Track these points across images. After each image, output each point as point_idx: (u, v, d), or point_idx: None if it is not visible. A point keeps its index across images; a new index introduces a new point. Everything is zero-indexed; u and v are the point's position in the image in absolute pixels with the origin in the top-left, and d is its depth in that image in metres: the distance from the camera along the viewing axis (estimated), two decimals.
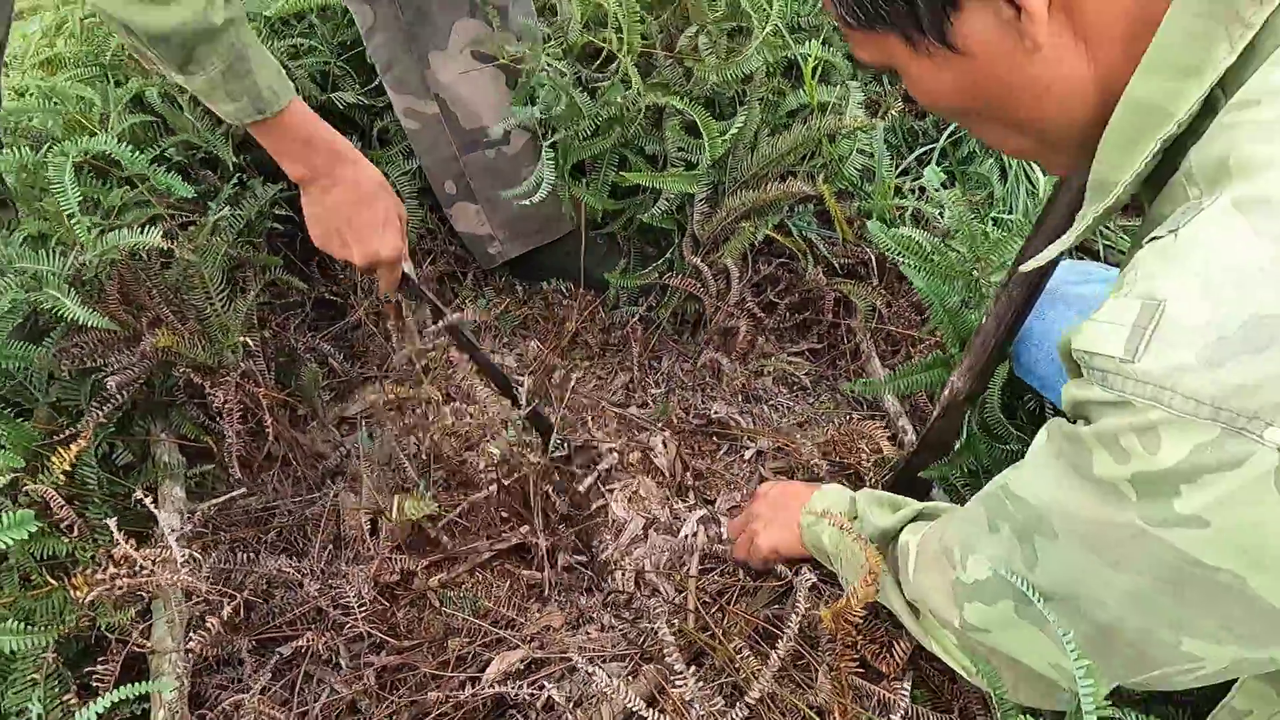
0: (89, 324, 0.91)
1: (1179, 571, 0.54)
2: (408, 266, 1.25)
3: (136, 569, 0.86)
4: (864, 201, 1.61)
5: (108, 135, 1.12)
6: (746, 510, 1.17)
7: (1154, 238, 0.55)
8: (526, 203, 1.45)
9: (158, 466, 1.14)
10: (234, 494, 1.15)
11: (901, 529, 0.90)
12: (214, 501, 1.10)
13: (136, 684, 0.70)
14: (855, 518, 0.96)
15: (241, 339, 1.07)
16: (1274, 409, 0.47)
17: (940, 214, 1.62)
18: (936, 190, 1.60)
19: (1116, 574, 0.58)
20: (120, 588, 0.85)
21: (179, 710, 0.87)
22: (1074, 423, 0.60)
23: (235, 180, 1.43)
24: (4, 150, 1.16)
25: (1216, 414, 0.49)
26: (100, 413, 0.99)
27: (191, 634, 0.95)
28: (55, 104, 1.36)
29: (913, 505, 0.92)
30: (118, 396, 1.01)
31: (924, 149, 1.76)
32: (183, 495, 1.17)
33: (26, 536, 0.73)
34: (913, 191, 1.72)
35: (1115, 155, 0.60)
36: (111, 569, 0.85)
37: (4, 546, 0.73)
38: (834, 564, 0.99)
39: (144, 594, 0.98)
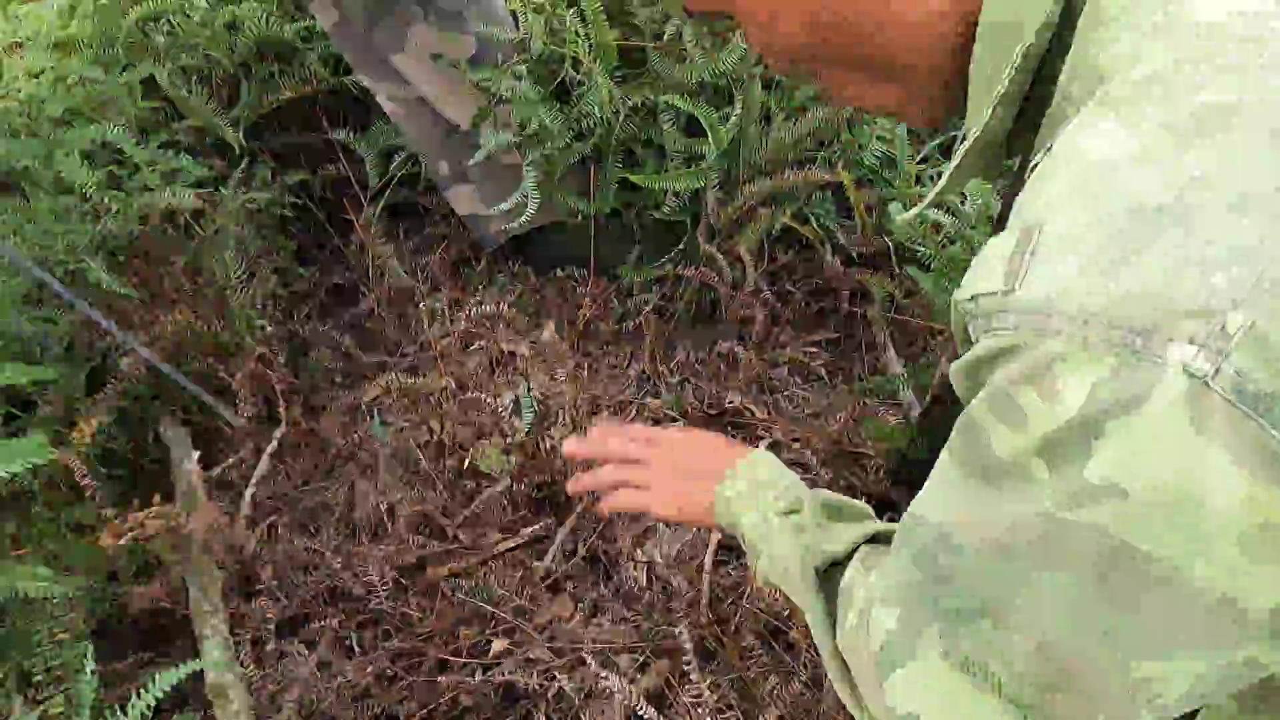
0: (114, 289, 0.91)
1: (1107, 565, 0.41)
2: None
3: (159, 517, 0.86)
4: (885, 189, 1.58)
5: (112, 125, 1.12)
6: (636, 444, 0.87)
7: (1033, 166, 0.48)
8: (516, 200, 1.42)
9: (166, 444, 1.15)
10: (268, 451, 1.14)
11: (850, 554, 0.70)
12: (226, 464, 1.11)
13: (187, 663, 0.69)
14: (791, 512, 0.76)
15: (258, 321, 1.07)
16: (1172, 318, 0.36)
17: (962, 202, 1.59)
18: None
19: (1037, 584, 0.44)
20: (150, 531, 0.85)
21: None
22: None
23: (244, 164, 1.43)
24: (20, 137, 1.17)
25: (1108, 335, 0.38)
26: (117, 387, 0.99)
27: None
28: (69, 87, 1.36)
29: (867, 523, 0.73)
30: (132, 377, 1.01)
31: (949, 135, 1.72)
32: (194, 467, 1.18)
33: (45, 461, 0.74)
34: (933, 178, 1.69)
35: (982, 88, 0.53)
36: (137, 516, 0.85)
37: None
38: (750, 554, 0.80)
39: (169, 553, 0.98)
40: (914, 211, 0.62)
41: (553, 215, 1.57)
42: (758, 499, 0.78)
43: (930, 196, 0.59)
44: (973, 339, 0.46)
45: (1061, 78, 0.49)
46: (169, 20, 1.49)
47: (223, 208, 1.21)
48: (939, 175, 1.68)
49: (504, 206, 1.43)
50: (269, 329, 1.15)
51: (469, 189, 1.53)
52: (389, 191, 1.56)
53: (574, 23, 1.29)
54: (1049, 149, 0.46)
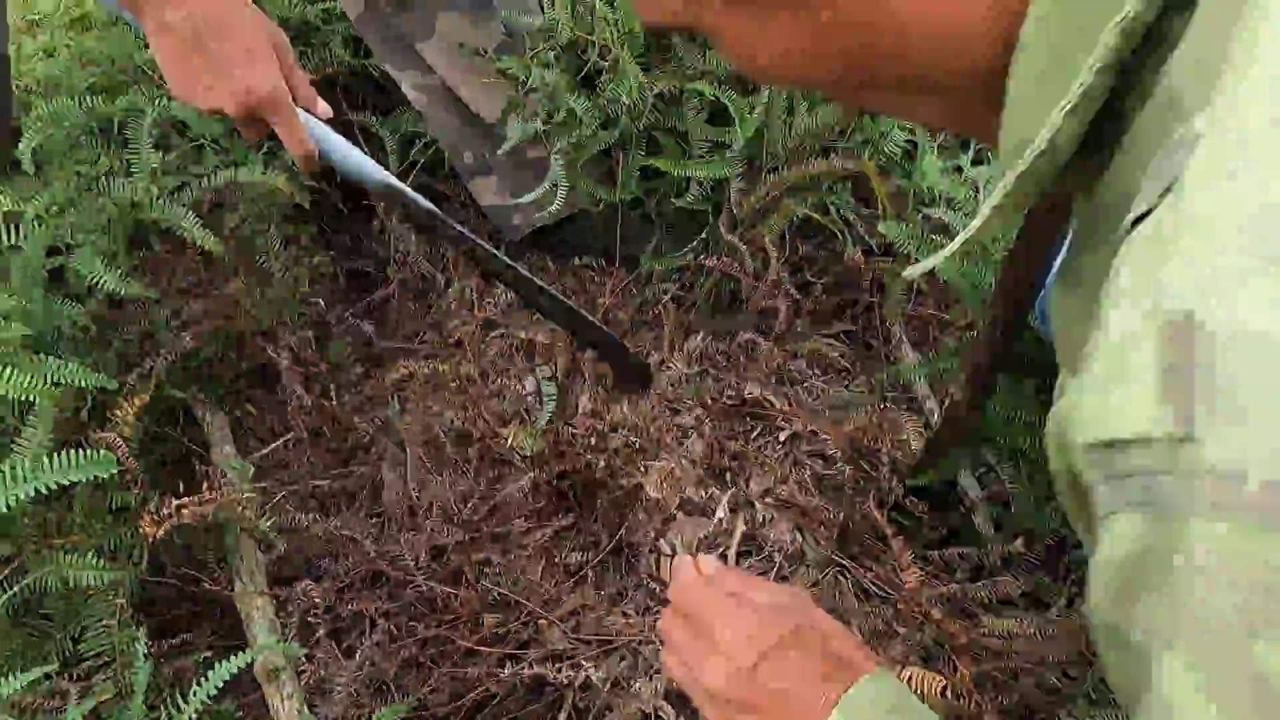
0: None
1: None
2: (315, 111, 1.00)
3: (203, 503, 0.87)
4: (905, 180, 1.58)
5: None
6: (706, 628, 0.67)
7: (1137, 218, 0.33)
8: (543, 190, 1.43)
9: (205, 427, 1.15)
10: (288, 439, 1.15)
11: None
12: (270, 448, 1.11)
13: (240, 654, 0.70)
14: None
15: (296, 305, 1.07)
16: None
17: (976, 195, 1.60)
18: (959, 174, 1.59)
19: None
20: (189, 519, 0.85)
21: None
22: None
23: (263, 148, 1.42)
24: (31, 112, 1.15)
25: None
26: (164, 361, 0.99)
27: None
28: (86, 65, 1.34)
29: None
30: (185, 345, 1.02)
31: None
32: (233, 450, 1.18)
33: (108, 475, 0.74)
34: (948, 171, 1.69)
35: (1032, 95, 0.39)
36: (177, 504, 0.86)
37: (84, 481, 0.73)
38: None
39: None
40: (931, 262, 0.50)
41: (577, 204, 1.57)
42: None
43: (956, 243, 0.46)
44: (1101, 506, 0.32)
45: (1165, 79, 0.35)
46: None
47: (249, 190, 1.20)
48: (954, 168, 1.69)
49: (529, 198, 1.43)
50: (305, 313, 1.15)
51: (492, 180, 1.53)
52: (410, 178, 1.55)
53: (603, 9, 1.28)
54: (1171, 190, 0.32)
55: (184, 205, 1.01)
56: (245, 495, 0.91)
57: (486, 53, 1.36)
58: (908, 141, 1.58)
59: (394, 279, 1.51)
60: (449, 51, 1.37)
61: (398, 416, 1.42)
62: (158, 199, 1.01)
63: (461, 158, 1.53)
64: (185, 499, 0.85)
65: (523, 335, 1.57)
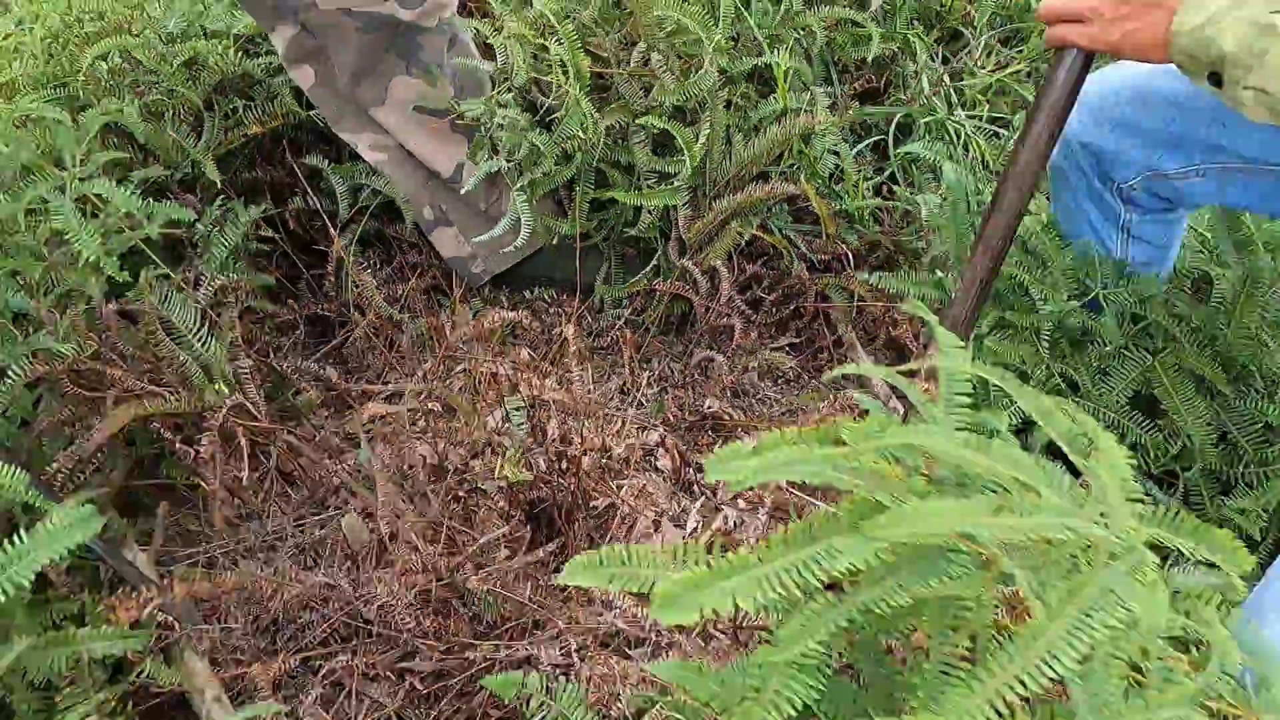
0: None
1: None
2: None
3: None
4: (835, 200, 1.70)
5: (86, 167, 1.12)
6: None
7: None
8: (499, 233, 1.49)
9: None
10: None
11: None
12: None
13: None
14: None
15: (220, 384, 1.08)
16: None
17: (907, 217, 1.74)
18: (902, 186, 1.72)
19: None
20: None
21: None
22: None
23: (220, 200, 1.43)
24: None
25: None
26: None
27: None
28: (27, 131, 1.33)
29: None
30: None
31: (874, 139, 1.85)
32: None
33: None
34: (880, 187, 1.81)
35: None
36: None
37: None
38: (1231, 72, 0.82)
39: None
40: None
41: (535, 243, 1.63)
42: (1239, 13, 0.79)
43: None
44: None
45: None
46: (126, 58, 1.48)
47: (203, 250, 1.22)
48: (886, 186, 1.82)
49: (486, 237, 1.49)
50: (243, 374, 1.15)
51: (452, 231, 1.58)
52: (361, 223, 1.58)
53: (555, 49, 1.35)
54: None
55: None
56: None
57: (442, 111, 1.42)
58: (836, 166, 1.70)
59: (351, 323, 1.53)
60: (400, 111, 1.43)
61: (367, 454, 1.44)
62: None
63: (421, 213, 1.58)
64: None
65: (486, 369, 1.61)
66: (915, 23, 1.90)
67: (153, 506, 1.27)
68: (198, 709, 1.00)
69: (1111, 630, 0.44)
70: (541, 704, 1.00)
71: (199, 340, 1.15)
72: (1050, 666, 0.44)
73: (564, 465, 1.48)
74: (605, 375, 1.67)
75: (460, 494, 1.44)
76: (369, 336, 1.54)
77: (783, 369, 1.69)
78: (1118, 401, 1.22)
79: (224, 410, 1.18)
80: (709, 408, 1.60)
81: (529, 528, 1.43)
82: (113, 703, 0.88)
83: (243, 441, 1.20)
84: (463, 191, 1.46)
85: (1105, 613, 0.44)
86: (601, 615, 1.29)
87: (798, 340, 1.74)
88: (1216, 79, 0.85)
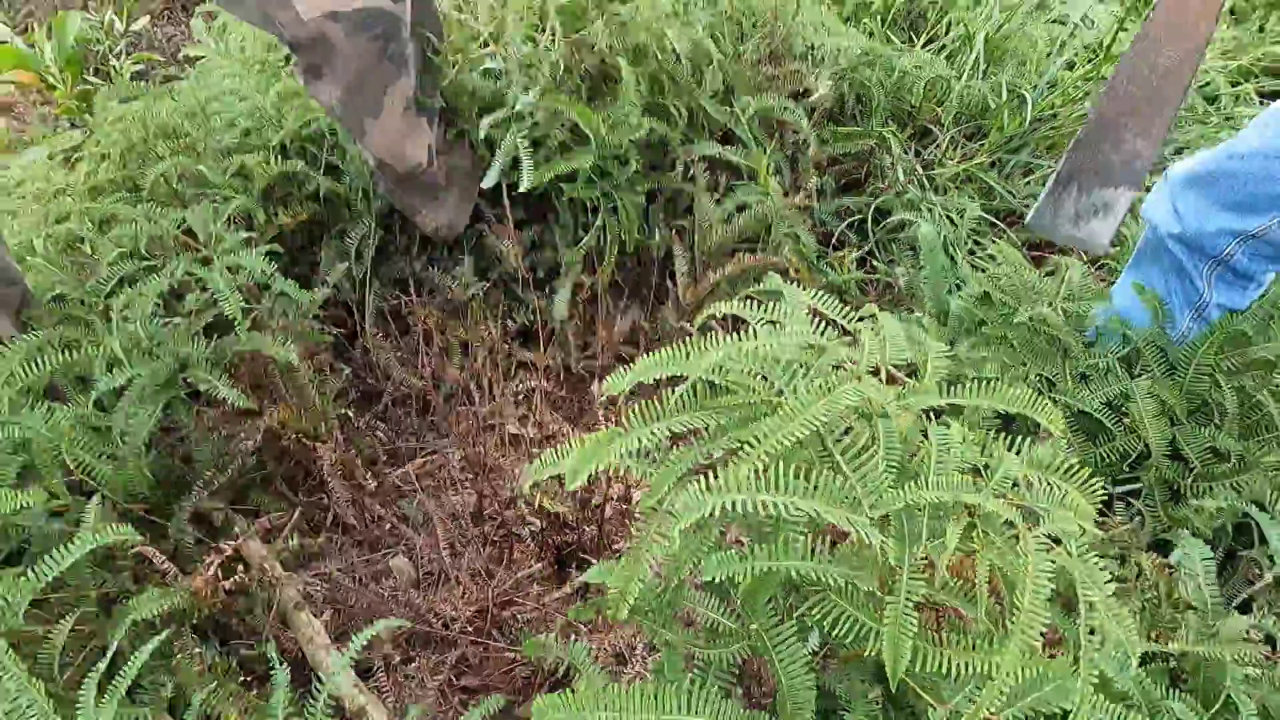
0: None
1: None
2: None
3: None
4: (822, 275, 1.91)
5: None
6: None
7: None
8: None
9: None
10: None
11: None
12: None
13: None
14: None
15: (337, 412, 1.27)
16: None
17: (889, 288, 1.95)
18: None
19: None
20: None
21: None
22: None
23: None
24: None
25: None
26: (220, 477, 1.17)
27: None
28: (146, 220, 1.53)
29: None
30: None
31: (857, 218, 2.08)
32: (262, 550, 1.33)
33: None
34: (863, 261, 2.02)
35: None
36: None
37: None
38: None
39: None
40: None
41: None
42: None
43: None
44: None
45: None
46: (184, 171, 1.71)
47: (283, 319, 1.41)
48: (864, 260, 2.03)
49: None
50: (350, 417, 1.34)
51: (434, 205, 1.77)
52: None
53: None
54: None
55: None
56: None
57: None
58: (820, 244, 1.92)
59: (387, 392, 1.72)
60: (396, 113, 1.61)
61: (415, 506, 1.60)
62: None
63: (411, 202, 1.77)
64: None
65: (512, 430, 1.78)
66: (890, 121, 2.15)
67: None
68: (310, 656, 1.14)
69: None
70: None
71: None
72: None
73: (587, 513, 1.64)
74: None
75: (495, 538, 1.59)
76: (403, 404, 1.72)
77: None
78: (1093, 404, 1.40)
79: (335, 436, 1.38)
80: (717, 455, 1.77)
81: (556, 567, 1.57)
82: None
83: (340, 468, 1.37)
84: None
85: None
86: None
87: None
88: None
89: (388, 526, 1.56)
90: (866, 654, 0.78)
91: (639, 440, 0.77)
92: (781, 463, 0.68)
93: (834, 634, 0.77)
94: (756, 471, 0.67)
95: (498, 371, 1.84)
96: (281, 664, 0.99)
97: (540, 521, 1.60)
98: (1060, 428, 0.82)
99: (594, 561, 1.58)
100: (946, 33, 2.34)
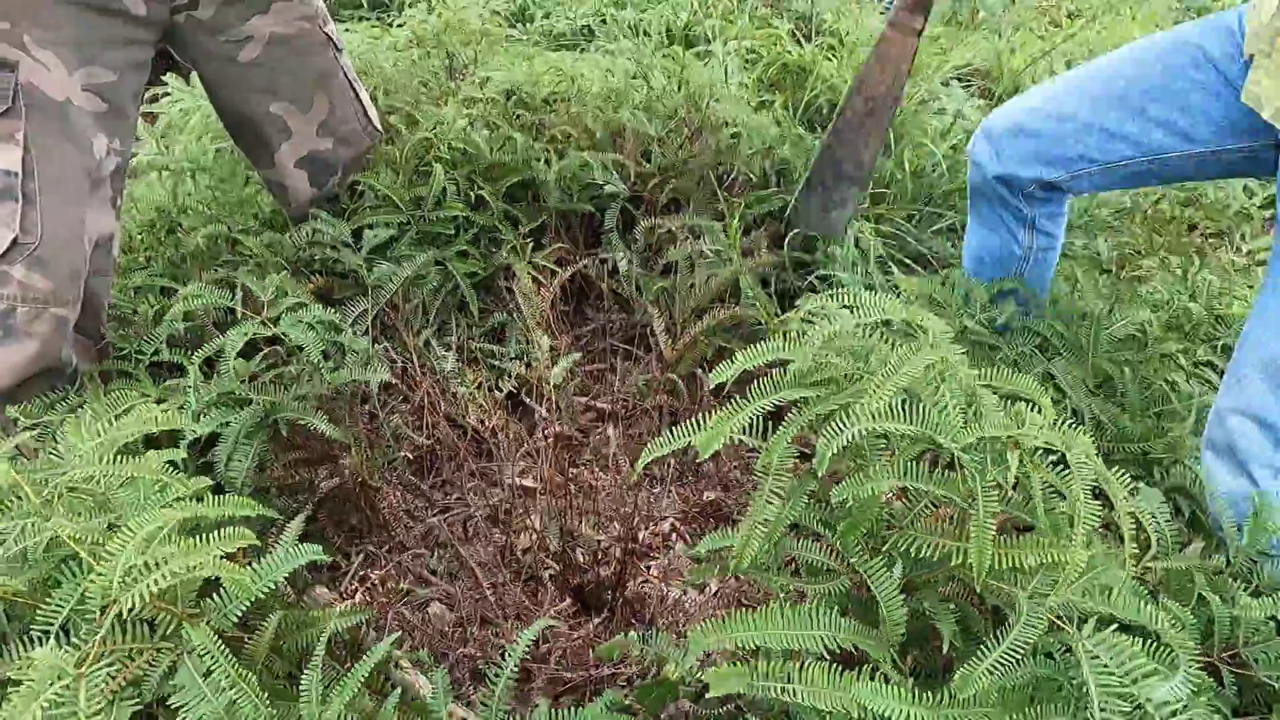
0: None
1: None
2: None
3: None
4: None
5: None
6: None
7: None
8: None
9: None
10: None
11: None
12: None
13: None
14: None
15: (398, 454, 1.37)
16: None
17: None
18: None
19: None
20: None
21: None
22: None
23: None
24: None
25: None
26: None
27: None
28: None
29: None
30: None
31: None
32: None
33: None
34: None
35: None
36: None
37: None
38: None
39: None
40: None
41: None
42: None
43: None
44: None
45: None
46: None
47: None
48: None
49: None
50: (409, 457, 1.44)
51: None
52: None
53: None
54: None
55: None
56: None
57: None
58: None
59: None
60: None
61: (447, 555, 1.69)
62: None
63: None
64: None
65: (520, 482, 1.90)
66: None
67: None
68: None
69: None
70: None
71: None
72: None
73: (598, 555, 1.76)
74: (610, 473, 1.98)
75: (518, 583, 1.69)
76: (419, 459, 1.81)
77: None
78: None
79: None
80: (707, 497, 1.93)
81: (578, 606, 1.68)
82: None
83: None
84: None
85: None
86: None
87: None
88: None
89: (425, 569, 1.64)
90: (944, 573, 0.96)
91: (755, 413, 0.93)
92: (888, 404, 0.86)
93: (917, 557, 0.95)
94: (876, 411, 0.84)
95: (503, 434, 1.96)
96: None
97: (558, 565, 1.71)
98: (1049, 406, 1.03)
99: (613, 599, 1.69)
100: None
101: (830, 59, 3.13)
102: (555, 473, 1.95)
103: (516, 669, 1.05)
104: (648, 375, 2.06)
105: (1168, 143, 1.56)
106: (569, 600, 1.67)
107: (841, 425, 0.85)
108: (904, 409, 0.88)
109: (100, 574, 0.68)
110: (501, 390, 2.07)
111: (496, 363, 2.07)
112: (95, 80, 1.49)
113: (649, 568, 1.78)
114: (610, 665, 1.49)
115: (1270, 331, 1.36)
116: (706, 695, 0.88)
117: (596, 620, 1.66)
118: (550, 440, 1.91)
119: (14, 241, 1.38)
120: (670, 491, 1.96)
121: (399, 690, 0.96)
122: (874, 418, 0.85)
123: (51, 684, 0.61)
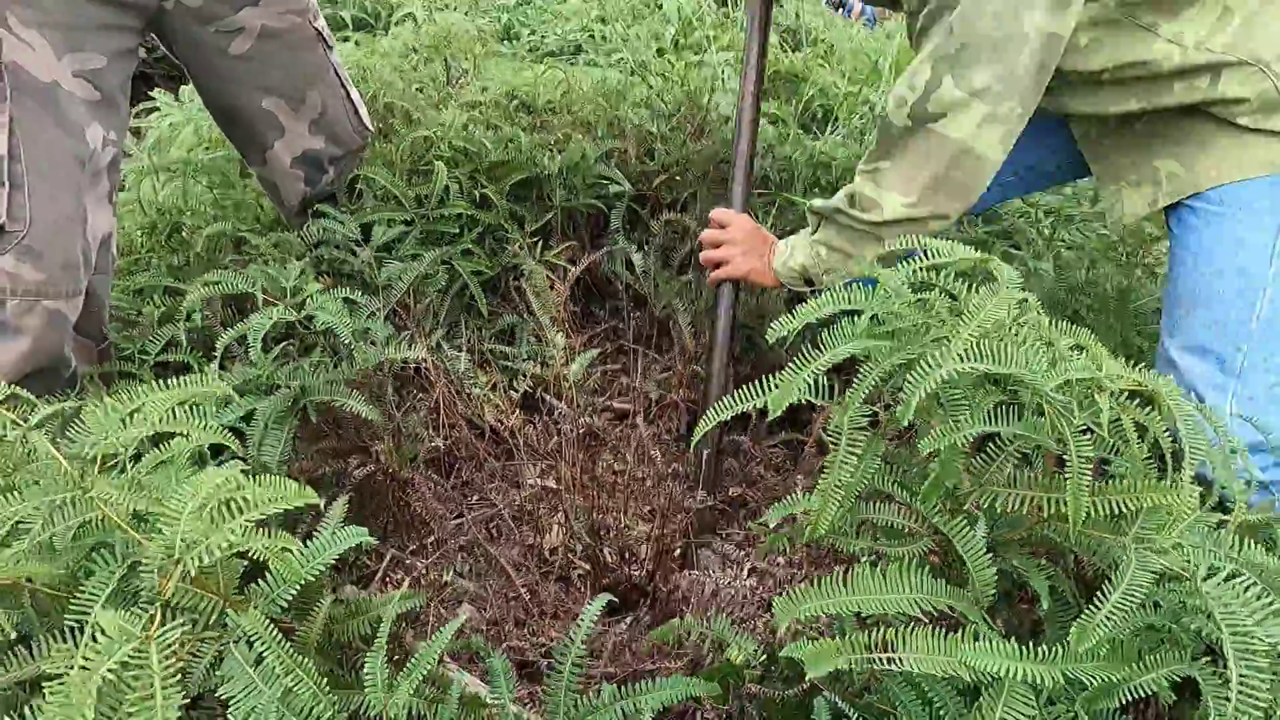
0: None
1: None
2: None
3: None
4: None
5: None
6: (720, 235, 1.72)
7: None
8: None
9: None
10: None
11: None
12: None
13: None
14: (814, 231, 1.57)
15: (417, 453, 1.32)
16: None
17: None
18: None
19: None
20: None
21: None
22: None
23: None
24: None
25: None
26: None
27: None
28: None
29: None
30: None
31: None
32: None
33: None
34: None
35: None
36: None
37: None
38: (816, 273, 1.57)
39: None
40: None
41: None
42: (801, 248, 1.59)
43: None
44: None
45: None
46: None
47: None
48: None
49: None
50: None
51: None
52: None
53: None
54: None
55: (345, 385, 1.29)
56: None
57: None
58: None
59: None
60: None
61: (475, 555, 1.62)
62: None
63: None
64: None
65: (539, 482, 1.84)
66: (810, 192, 2.44)
67: None
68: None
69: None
70: None
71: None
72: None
73: (626, 555, 1.70)
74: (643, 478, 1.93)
75: (549, 584, 1.62)
76: (436, 461, 1.75)
77: (776, 462, 2.01)
78: None
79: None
80: (734, 493, 1.88)
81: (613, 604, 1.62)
82: None
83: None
84: None
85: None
86: None
87: (790, 437, 2.07)
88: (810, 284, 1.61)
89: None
90: (1025, 530, 0.92)
91: (822, 367, 0.90)
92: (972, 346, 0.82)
93: (1002, 512, 0.91)
94: (963, 353, 0.81)
95: (522, 434, 1.90)
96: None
97: (587, 564, 1.65)
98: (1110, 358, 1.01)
99: (644, 596, 1.63)
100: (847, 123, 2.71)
101: (823, 65, 3.14)
102: (580, 471, 1.89)
103: (580, 658, 0.98)
104: (668, 372, 2.02)
105: None
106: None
107: (927, 368, 0.81)
108: (989, 351, 0.84)
109: (164, 534, 0.62)
110: (517, 390, 2.02)
111: (509, 364, 2.02)
112: (86, 66, 1.40)
113: (680, 561, 1.73)
114: (655, 659, 1.43)
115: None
116: (782, 676, 0.83)
117: (637, 614, 1.60)
118: (573, 438, 1.86)
119: (0, 229, 1.30)
120: (689, 491, 1.90)
121: (463, 679, 0.89)
122: (960, 359, 0.81)
123: (120, 647, 0.55)
